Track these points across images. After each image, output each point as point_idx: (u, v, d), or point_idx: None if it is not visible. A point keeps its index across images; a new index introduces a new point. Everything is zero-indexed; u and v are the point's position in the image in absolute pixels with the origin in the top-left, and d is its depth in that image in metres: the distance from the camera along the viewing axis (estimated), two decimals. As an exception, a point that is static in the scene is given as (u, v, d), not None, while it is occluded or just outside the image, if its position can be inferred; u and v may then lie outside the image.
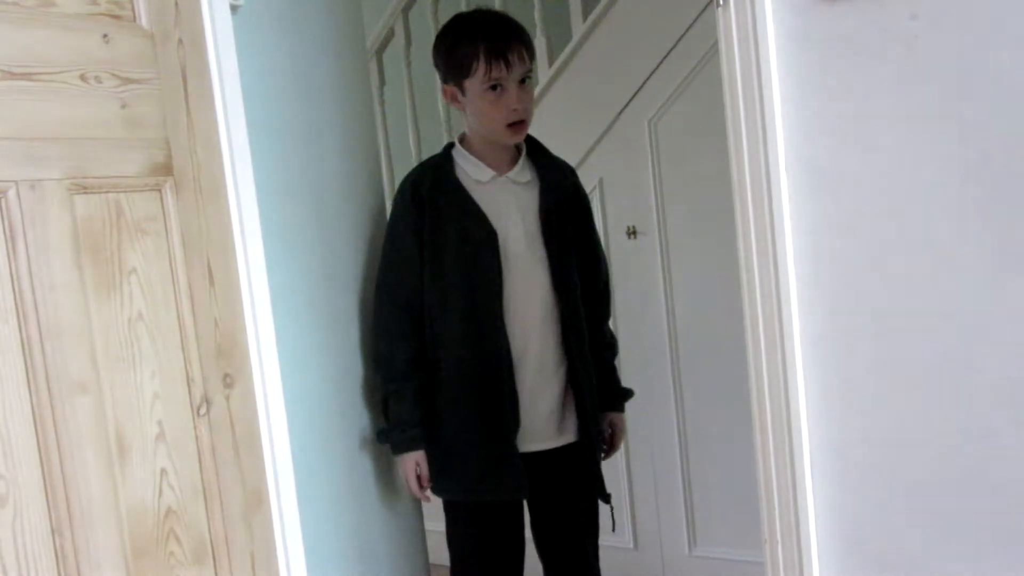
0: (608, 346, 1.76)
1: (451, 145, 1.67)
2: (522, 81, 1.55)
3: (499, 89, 1.53)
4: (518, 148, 1.65)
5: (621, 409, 1.79)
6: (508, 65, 1.52)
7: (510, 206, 1.59)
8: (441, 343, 1.58)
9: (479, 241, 1.55)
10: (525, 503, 1.69)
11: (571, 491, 1.67)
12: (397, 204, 1.61)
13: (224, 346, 1.20)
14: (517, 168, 1.62)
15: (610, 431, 1.77)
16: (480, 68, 1.53)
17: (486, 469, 1.57)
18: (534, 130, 1.67)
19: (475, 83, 1.55)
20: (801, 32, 1.11)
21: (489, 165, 1.61)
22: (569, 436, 1.64)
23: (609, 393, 1.76)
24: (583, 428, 1.64)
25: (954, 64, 1.04)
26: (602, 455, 1.73)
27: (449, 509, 1.67)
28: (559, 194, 1.63)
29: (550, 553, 1.71)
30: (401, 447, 1.58)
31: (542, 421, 1.61)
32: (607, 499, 1.70)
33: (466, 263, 1.56)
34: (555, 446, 1.63)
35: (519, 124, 1.57)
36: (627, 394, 1.79)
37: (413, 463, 1.58)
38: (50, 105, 1.01)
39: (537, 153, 1.67)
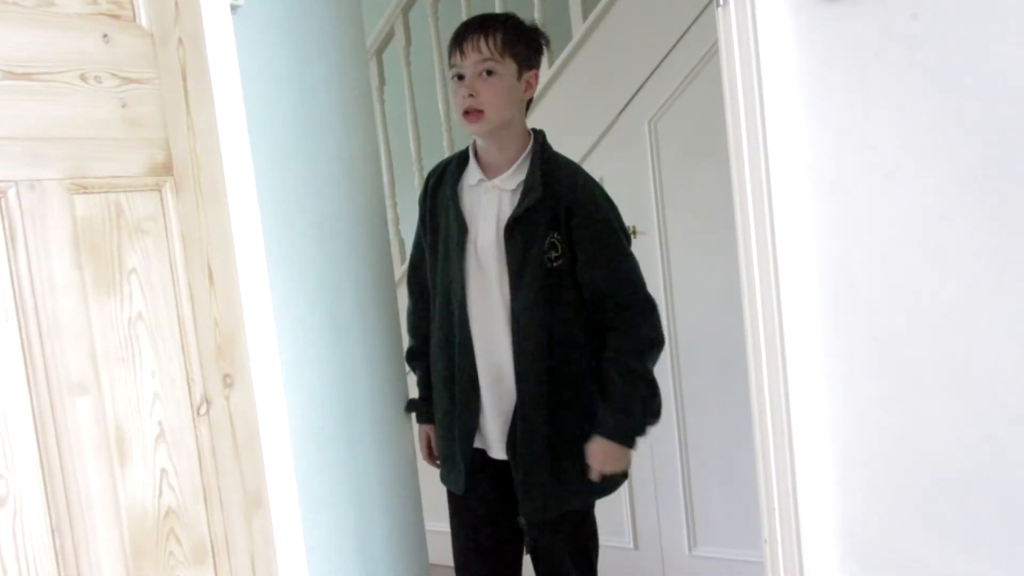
0: (611, 378, 1.53)
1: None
2: (490, 74, 1.51)
3: (463, 79, 1.54)
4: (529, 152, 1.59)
5: (604, 435, 1.54)
6: (463, 54, 1.52)
7: (489, 212, 1.56)
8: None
9: (453, 242, 1.57)
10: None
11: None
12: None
13: (224, 346, 1.20)
14: (506, 174, 1.55)
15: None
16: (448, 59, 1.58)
17: (443, 458, 1.67)
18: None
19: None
20: (801, 32, 1.11)
21: (484, 168, 1.59)
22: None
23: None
24: (509, 448, 1.55)
25: (954, 64, 1.04)
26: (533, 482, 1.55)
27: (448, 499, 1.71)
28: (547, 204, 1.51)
29: (533, 560, 1.67)
30: (419, 419, 1.75)
31: (499, 429, 1.57)
32: (523, 529, 1.59)
33: (442, 263, 1.60)
34: (506, 458, 1.57)
35: (472, 114, 1.52)
36: (603, 422, 1.53)
37: (424, 433, 1.75)
38: (50, 105, 1.01)
39: (550, 162, 1.56)
